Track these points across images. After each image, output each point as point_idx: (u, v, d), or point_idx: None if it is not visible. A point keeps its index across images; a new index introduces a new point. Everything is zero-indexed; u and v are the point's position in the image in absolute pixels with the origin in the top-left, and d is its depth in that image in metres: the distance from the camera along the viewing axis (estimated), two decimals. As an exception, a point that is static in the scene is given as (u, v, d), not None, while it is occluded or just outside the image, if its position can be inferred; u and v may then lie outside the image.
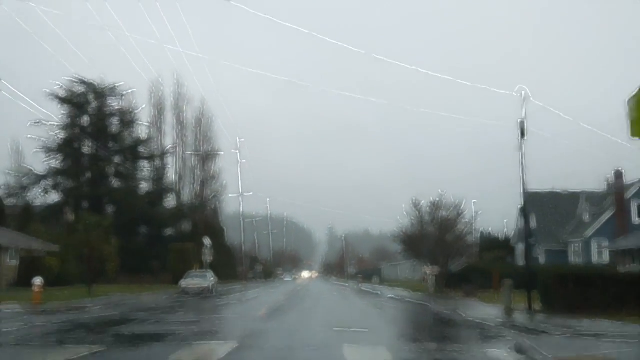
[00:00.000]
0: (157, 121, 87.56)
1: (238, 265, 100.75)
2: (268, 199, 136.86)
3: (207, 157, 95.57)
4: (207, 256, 57.23)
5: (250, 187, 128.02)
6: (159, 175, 67.06)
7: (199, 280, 45.43)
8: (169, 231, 71.18)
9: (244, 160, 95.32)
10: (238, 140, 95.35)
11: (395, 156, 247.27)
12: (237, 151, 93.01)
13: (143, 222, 65.38)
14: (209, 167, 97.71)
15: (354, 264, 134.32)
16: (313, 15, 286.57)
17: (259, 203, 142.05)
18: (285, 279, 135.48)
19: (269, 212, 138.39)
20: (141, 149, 68.28)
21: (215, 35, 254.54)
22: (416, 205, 48.77)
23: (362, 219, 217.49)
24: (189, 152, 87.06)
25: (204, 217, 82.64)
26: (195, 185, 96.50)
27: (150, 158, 66.81)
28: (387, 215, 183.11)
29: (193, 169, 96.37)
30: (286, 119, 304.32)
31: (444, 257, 46.25)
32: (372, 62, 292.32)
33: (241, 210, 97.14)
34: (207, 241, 57.83)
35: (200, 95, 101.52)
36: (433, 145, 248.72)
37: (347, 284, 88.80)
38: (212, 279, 47.25)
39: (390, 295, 44.14)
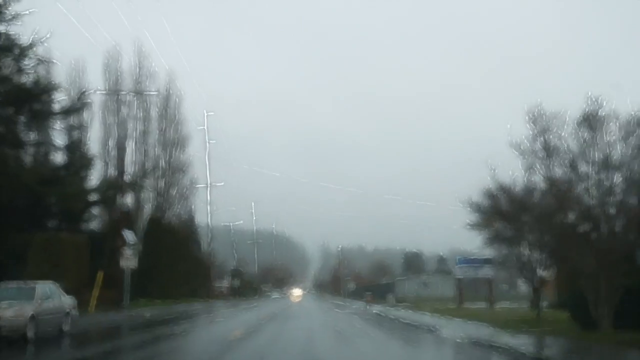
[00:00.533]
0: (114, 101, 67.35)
1: (215, 279, 79.17)
2: (253, 204, 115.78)
3: (174, 144, 75.58)
4: (127, 260, 35.31)
5: (240, 201, 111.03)
6: (73, 141, 43.77)
7: (6, 305, 19.04)
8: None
9: (213, 141, 73.93)
10: (205, 114, 73.89)
11: (391, 171, 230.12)
12: (205, 127, 71.71)
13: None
14: (176, 156, 77.38)
15: (349, 280, 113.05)
16: (307, 29, 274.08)
17: (249, 216, 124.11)
18: (273, 296, 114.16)
19: (254, 218, 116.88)
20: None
21: (207, 49, 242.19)
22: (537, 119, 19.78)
23: (356, 235, 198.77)
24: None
25: (159, 217, 60.79)
26: (158, 180, 75.59)
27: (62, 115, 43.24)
28: (381, 231, 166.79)
29: (156, 159, 75.64)
30: (279, 133, 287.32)
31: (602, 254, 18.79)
32: (369, 75, 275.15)
33: (208, 201, 75.18)
34: (129, 236, 35.89)
35: (166, 68, 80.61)
36: (430, 160, 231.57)
37: (345, 304, 66.90)
38: (50, 300, 20.83)
39: (467, 337, 20.09)
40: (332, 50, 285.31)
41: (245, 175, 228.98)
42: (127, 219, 44.19)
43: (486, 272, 50.07)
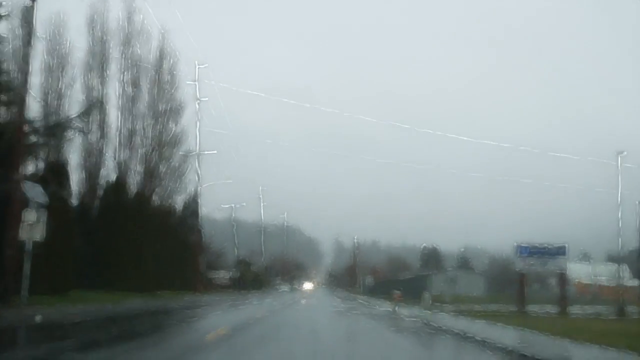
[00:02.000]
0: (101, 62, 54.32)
1: (212, 269, 65.39)
2: (260, 188, 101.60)
3: (165, 113, 63.31)
4: (28, 229, 21.25)
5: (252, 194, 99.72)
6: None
7: None
8: None
9: (206, 98, 60.00)
10: (197, 67, 60.04)
11: (406, 168, 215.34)
12: (196, 82, 57.95)
13: None
14: (168, 127, 64.36)
15: (367, 274, 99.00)
16: (324, 25, 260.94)
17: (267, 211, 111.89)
18: (281, 290, 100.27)
19: (262, 204, 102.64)
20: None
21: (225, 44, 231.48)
22: None
23: (370, 230, 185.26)
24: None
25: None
26: (146, 152, 62.21)
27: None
28: (395, 227, 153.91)
29: (143, 129, 62.54)
30: (296, 129, 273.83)
31: None
32: (389, 71, 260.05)
33: (198, 173, 61.00)
34: (34, 191, 21.79)
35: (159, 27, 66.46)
36: (447, 158, 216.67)
37: (365, 302, 52.59)
38: None
39: None
40: (351, 47, 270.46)
41: (258, 167, 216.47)
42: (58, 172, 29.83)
43: (558, 264, 35.58)
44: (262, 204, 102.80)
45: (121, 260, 37.41)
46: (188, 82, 58.13)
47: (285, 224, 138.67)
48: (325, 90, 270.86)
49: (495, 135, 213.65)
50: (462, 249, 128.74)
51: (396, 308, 35.93)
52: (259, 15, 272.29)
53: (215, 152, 62.05)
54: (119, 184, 41.77)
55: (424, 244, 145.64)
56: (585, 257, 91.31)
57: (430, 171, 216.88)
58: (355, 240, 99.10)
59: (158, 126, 64.36)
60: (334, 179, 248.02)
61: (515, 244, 35.90)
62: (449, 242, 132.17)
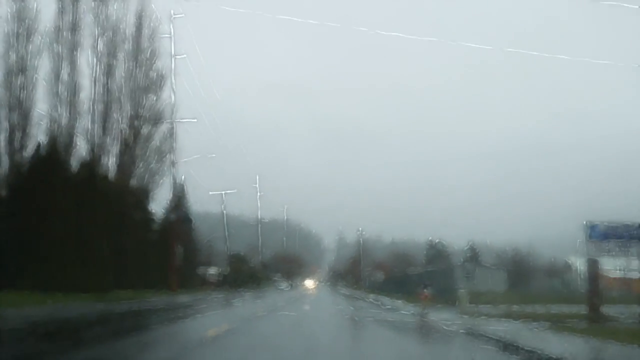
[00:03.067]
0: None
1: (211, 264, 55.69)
2: (257, 177, 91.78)
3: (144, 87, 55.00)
4: None
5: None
6: None
7: None
8: None
9: (183, 55, 50.24)
10: (172, 17, 50.22)
11: (411, 163, 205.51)
12: (171, 36, 48.41)
13: None
14: (147, 103, 55.60)
15: (373, 269, 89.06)
16: (332, 18, 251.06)
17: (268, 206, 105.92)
18: (280, 287, 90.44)
19: (258, 194, 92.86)
20: None
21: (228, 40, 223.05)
22: None
23: (374, 226, 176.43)
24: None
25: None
26: (123, 130, 53.30)
27: None
28: (399, 223, 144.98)
29: (119, 104, 53.76)
30: (300, 123, 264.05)
31: None
32: (393, 66, 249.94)
33: (173, 144, 50.90)
34: None
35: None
36: (451, 153, 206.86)
37: (377, 301, 42.82)
38: None
39: None
40: (355, 41, 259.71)
41: (260, 162, 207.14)
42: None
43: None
44: (258, 194, 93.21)
45: (57, 252, 27.32)
46: (163, 36, 47.97)
47: (285, 217, 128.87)
48: (329, 83, 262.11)
49: (499, 128, 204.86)
50: (471, 242, 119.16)
51: (425, 312, 25.79)
52: (258, 8, 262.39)
53: (195, 120, 51.96)
54: (52, 151, 31.39)
55: (430, 238, 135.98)
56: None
57: (435, 165, 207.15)
58: (360, 231, 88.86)
59: (136, 100, 55.23)
60: (338, 174, 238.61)
61: (585, 222, 25.60)
62: (455, 238, 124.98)
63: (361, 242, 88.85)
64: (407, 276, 71.15)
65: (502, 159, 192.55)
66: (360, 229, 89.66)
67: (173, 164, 46.65)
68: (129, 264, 35.85)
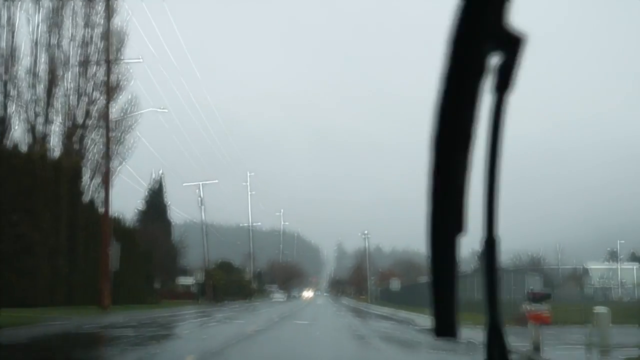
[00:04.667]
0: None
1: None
2: (248, 174, 78.19)
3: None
4: None
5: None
6: None
7: None
8: None
9: None
10: None
11: (411, 171, 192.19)
12: None
13: None
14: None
15: (377, 279, 75.27)
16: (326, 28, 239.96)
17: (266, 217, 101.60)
18: (276, 299, 76.63)
19: (250, 193, 79.26)
20: None
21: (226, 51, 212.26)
22: None
23: (374, 236, 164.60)
24: None
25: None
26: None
27: None
28: (398, 232, 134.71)
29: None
30: (299, 132, 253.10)
31: None
32: (389, 75, 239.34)
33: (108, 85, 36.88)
34: None
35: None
36: None
37: (408, 322, 28.44)
38: None
39: None
40: (351, 51, 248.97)
41: (265, 176, 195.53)
42: None
43: None
44: (249, 193, 79.74)
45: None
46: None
47: (282, 222, 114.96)
48: (328, 93, 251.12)
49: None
50: (479, 249, 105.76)
51: (538, 348, 11.91)
52: (252, 19, 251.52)
53: (140, 60, 38.01)
54: None
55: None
56: (613, 257, 77.36)
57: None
58: (365, 234, 74.93)
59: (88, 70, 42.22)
60: (336, 184, 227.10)
61: None
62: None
63: (367, 246, 74.97)
64: (417, 285, 57.32)
65: (506, 165, 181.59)
66: (365, 231, 75.85)
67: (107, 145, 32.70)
68: (38, 271, 22.12)
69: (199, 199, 48.35)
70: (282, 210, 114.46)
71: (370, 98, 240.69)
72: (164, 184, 63.77)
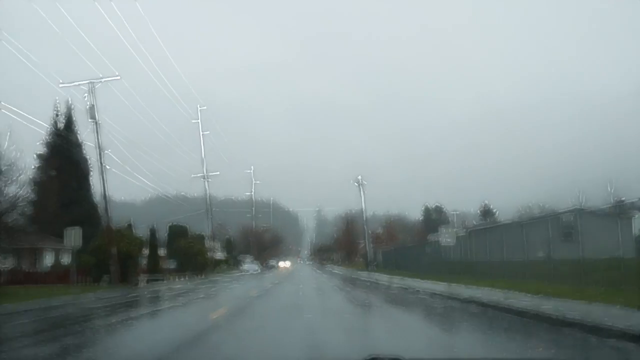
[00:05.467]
0: None
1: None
2: (199, 111, 58.96)
3: None
4: None
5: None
6: None
7: None
8: None
9: None
10: None
11: (387, 137, 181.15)
12: None
13: None
14: None
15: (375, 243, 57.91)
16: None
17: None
18: (246, 271, 59.13)
19: (201, 135, 60.02)
20: None
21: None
22: None
23: (352, 201, 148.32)
24: None
25: None
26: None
27: None
28: (379, 198, 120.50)
29: None
30: (274, 102, 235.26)
31: None
32: (364, 43, 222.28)
33: None
34: None
35: None
36: (426, 126, 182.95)
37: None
38: None
39: None
40: (324, 19, 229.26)
41: (242, 144, 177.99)
42: None
43: None
44: (201, 132, 60.66)
45: None
46: None
47: (254, 182, 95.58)
48: (303, 63, 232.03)
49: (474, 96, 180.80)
50: (486, 201, 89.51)
51: None
52: None
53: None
54: None
55: (425, 203, 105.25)
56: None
57: (412, 137, 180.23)
58: (360, 180, 56.06)
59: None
60: (314, 152, 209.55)
61: None
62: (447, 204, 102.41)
63: (362, 194, 56.05)
64: (436, 246, 39.03)
65: (480, 125, 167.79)
66: (359, 177, 56.98)
67: None
68: None
69: (88, 105, 29.03)
70: (252, 168, 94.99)
71: (344, 63, 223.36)
72: (74, 118, 44.29)
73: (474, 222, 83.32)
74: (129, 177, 70.94)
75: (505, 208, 78.51)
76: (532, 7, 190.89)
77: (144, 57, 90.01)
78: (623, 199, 29.84)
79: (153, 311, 14.44)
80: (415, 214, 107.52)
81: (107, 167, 32.36)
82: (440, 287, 20.90)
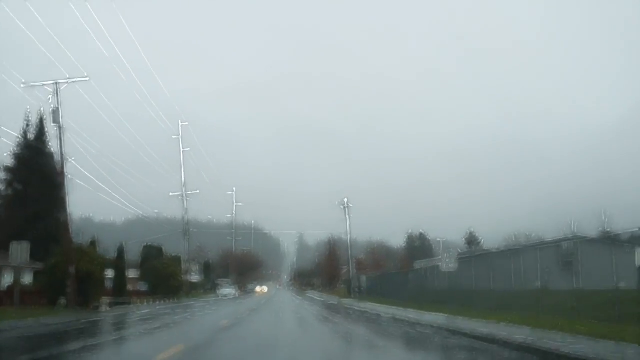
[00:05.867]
0: None
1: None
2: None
3: None
4: None
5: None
6: None
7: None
8: None
9: None
10: None
11: (371, 164, 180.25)
12: None
13: None
14: None
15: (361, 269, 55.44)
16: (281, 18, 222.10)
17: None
18: (223, 295, 55.89)
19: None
20: None
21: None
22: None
23: (335, 227, 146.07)
24: None
25: None
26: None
27: None
28: (361, 224, 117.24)
29: None
30: (259, 124, 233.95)
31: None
32: (345, 65, 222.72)
33: None
34: None
35: None
36: (412, 155, 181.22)
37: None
38: None
39: None
40: (307, 40, 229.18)
41: (225, 169, 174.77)
42: None
43: None
44: (182, 150, 57.77)
45: None
46: None
47: (235, 204, 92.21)
48: (289, 86, 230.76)
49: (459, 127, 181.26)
50: (472, 229, 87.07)
51: None
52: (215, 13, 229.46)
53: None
54: None
55: (410, 231, 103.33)
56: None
57: (397, 165, 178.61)
58: (346, 203, 52.81)
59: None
60: (297, 176, 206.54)
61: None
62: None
63: (347, 217, 52.87)
64: (426, 273, 36.87)
65: (466, 156, 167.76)
66: (345, 199, 53.74)
67: None
68: None
69: (52, 108, 25.90)
70: (234, 189, 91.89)
71: (330, 89, 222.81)
72: (46, 128, 41.22)
73: (459, 250, 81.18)
74: (106, 196, 67.59)
75: (491, 237, 76.71)
76: (523, 39, 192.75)
77: (126, 72, 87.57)
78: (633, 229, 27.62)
79: (84, 347, 11.38)
80: (397, 241, 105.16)
81: (70, 176, 29.35)
82: (439, 319, 18.22)
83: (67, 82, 27.25)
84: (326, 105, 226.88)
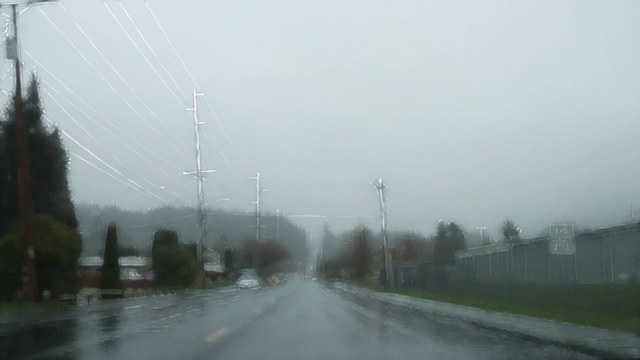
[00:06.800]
0: None
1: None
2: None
3: None
4: None
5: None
6: None
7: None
8: None
9: None
10: None
11: (399, 153, 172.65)
12: None
13: None
14: None
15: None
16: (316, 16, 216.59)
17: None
18: (245, 286, 52.54)
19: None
20: None
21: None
22: None
23: (365, 213, 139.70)
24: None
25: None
26: None
27: None
28: (389, 214, 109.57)
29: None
30: (284, 115, 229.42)
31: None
32: (375, 56, 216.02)
33: None
34: None
35: None
36: (440, 138, 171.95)
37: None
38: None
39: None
40: (334, 33, 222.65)
41: (251, 159, 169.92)
42: None
43: None
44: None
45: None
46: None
47: (258, 189, 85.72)
48: (314, 78, 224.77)
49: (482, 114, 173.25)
50: (508, 218, 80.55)
51: None
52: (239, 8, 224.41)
53: None
54: None
55: (440, 220, 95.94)
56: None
57: (425, 154, 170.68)
58: (380, 183, 45.60)
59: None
60: (322, 167, 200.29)
61: None
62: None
63: (380, 198, 45.50)
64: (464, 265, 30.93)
65: (493, 145, 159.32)
66: (379, 180, 46.34)
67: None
68: None
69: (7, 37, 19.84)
70: (258, 175, 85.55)
71: (357, 77, 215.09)
72: (39, 92, 35.13)
73: (495, 240, 73.87)
74: (128, 184, 62.26)
75: (528, 226, 69.58)
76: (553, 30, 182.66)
77: (154, 61, 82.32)
78: None
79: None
80: (427, 231, 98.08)
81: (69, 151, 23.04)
82: (551, 326, 11.41)
83: (30, 5, 20.76)
84: (355, 95, 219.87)
